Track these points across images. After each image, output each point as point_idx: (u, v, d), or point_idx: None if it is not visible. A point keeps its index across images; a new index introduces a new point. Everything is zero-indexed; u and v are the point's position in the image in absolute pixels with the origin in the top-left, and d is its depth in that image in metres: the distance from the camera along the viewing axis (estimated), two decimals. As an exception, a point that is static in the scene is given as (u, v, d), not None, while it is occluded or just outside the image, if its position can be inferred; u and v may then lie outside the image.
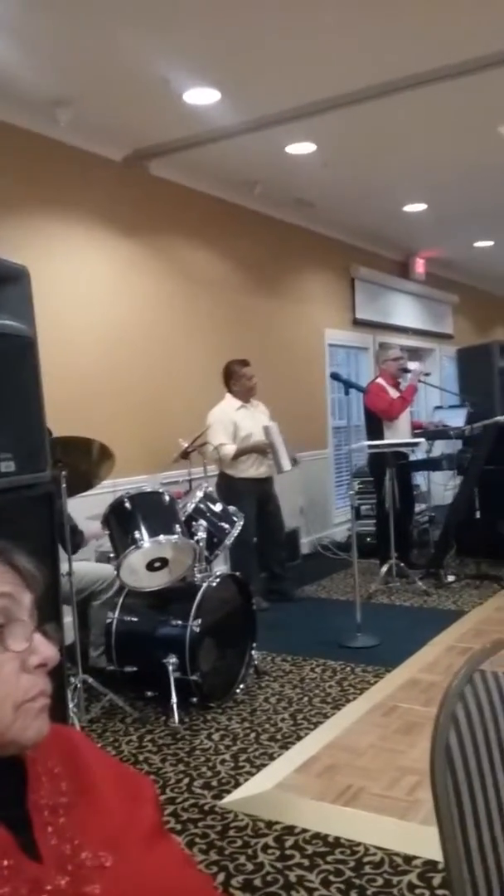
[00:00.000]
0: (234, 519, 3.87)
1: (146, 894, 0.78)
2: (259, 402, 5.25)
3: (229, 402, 5.09)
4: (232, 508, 3.94)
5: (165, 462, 4.75)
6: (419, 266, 8.79)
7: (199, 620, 3.34)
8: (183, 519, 3.58)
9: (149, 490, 3.64)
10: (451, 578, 5.54)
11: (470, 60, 3.90)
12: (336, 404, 7.48)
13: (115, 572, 3.43)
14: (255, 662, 3.77)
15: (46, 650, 0.81)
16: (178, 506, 3.63)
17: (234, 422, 5.00)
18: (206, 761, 2.94)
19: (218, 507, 3.87)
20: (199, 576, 3.56)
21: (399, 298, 8.66)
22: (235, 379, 5.12)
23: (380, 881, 2.14)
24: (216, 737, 3.15)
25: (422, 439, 5.85)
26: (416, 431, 6.05)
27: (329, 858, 2.26)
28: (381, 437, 5.71)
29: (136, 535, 3.36)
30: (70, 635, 3.33)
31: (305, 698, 3.51)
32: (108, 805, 0.83)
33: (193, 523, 3.66)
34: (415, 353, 9.25)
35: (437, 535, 6.05)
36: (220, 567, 4.72)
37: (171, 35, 3.58)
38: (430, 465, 6.19)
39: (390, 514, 5.46)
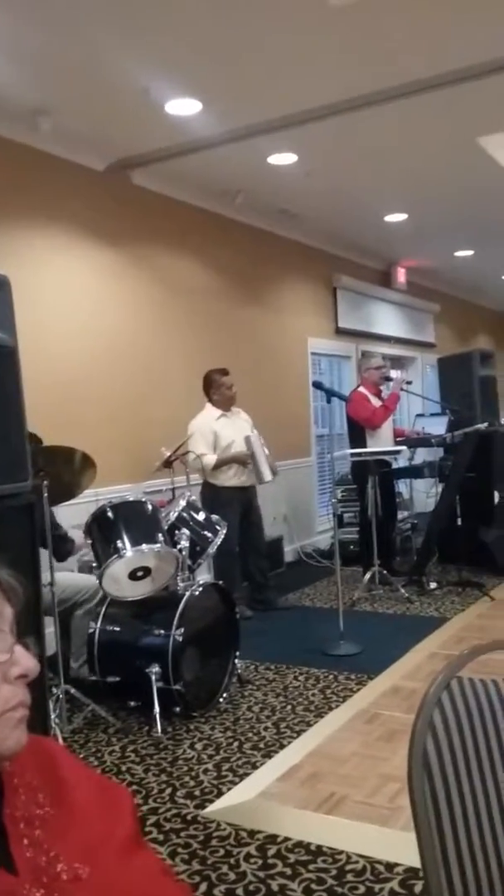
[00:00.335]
0: (217, 527, 3.87)
1: (123, 905, 0.78)
2: (241, 410, 5.26)
3: (209, 412, 5.10)
4: (215, 517, 3.94)
5: (148, 471, 4.75)
6: (401, 275, 8.86)
7: (182, 630, 3.34)
8: (166, 528, 3.57)
9: (131, 499, 3.64)
10: (433, 585, 5.57)
11: (449, 73, 3.95)
12: (319, 413, 7.50)
13: (98, 582, 3.42)
14: (239, 671, 3.77)
15: (27, 661, 0.81)
16: (161, 515, 3.63)
17: (215, 431, 5.01)
18: (189, 771, 2.93)
19: (201, 516, 3.87)
20: (181, 585, 3.55)
21: (381, 307, 8.72)
22: (215, 388, 5.13)
23: (361, 889, 2.14)
24: (199, 746, 3.14)
25: (404, 447, 5.89)
26: (398, 439, 6.09)
27: (311, 867, 2.26)
28: (363, 445, 5.73)
29: (119, 544, 3.35)
30: (52, 646, 3.31)
31: (288, 707, 3.51)
32: (86, 816, 0.83)
33: (176, 532, 3.65)
34: (397, 362, 9.31)
35: (419, 542, 6.09)
36: (204, 576, 4.72)
37: (153, 46, 3.60)
38: (413, 472, 6.23)
39: (373, 522, 5.48)
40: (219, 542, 3.83)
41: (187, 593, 3.46)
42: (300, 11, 3.34)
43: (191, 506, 3.87)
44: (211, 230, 6.04)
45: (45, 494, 3.08)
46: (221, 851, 2.37)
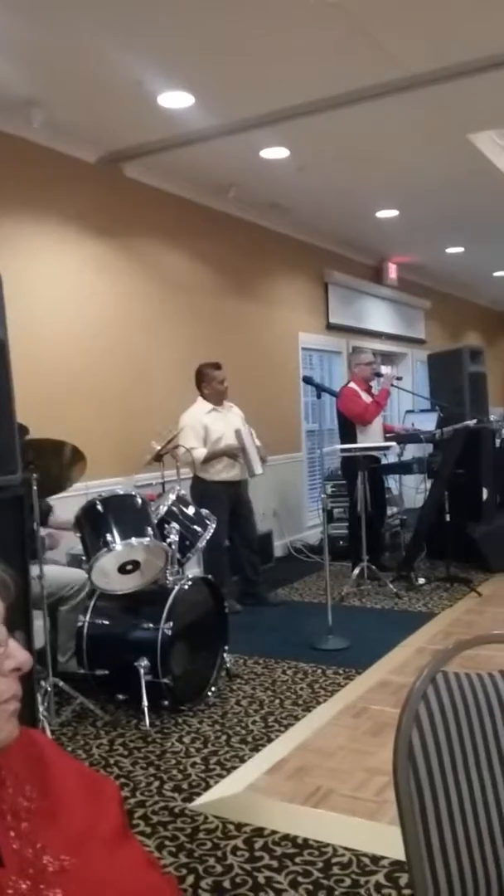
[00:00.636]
0: (207, 522, 3.87)
1: (108, 896, 0.79)
2: (233, 405, 5.26)
3: (200, 406, 5.09)
4: (205, 511, 3.94)
5: (138, 464, 4.75)
6: (392, 271, 8.87)
7: (171, 623, 3.34)
8: (155, 522, 3.57)
9: (121, 492, 3.63)
10: (421, 581, 5.59)
11: (440, 69, 3.96)
12: (309, 408, 7.51)
13: (86, 576, 3.42)
14: (227, 665, 3.78)
15: (20, 654, 0.82)
16: (151, 508, 3.63)
17: (205, 425, 5.01)
18: (177, 764, 2.94)
19: (191, 510, 3.88)
20: (171, 578, 3.56)
21: (372, 303, 8.73)
22: (207, 382, 5.12)
23: (347, 882, 2.16)
24: (187, 739, 3.15)
25: (393, 443, 5.90)
26: (388, 435, 6.10)
27: (298, 860, 2.27)
28: (353, 440, 5.75)
29: (108, 537, 3.35)
30: (40, 639, 3.31)
31: (277, 700, 3.53)
32: (72, 808, 0.83)
33: (166, 526, 3.65)
34: (388, 358, 9.33)
35: (408, 537, 6.11)
36: (193, 570, 4.72)
37: (146, 38, 3.58)
38: (402, 468, 6.24)
39: (362, 517, 5.50)
40: (208, 537, 3.83)
41: (176, 587, 3.47)
42: (293, 6, 3.34)
43: (180, 500, 3.87)
44: (203, 224, 6.03)
45: (35, 488, 3.08)
46: (209, 844, 2.38)
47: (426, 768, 1.16)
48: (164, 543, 3.52)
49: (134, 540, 3.38)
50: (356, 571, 5.56)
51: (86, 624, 3.50)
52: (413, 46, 3.75)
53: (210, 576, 3.90)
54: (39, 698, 3.12)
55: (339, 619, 4.40)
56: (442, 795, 1.17)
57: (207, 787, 2.75)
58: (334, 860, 2.26)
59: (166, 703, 3.37)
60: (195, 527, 3.81)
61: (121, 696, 3.45)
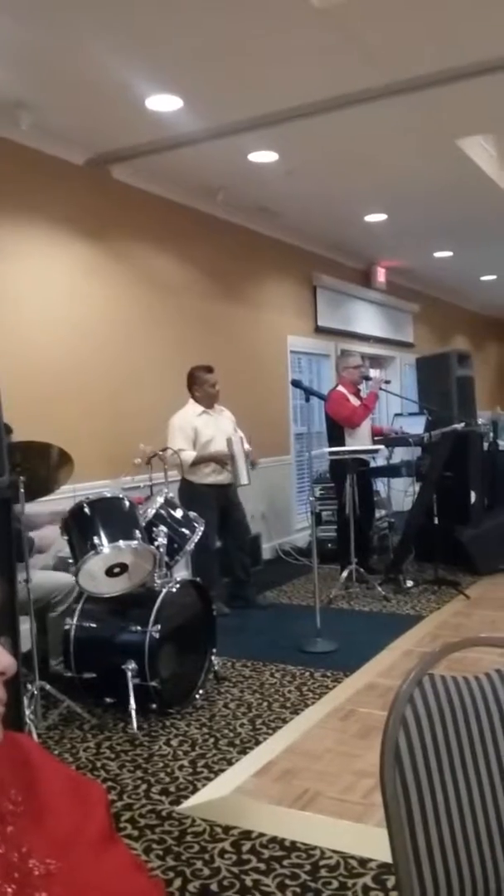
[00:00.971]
0: (195, 525, 3.87)
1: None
2: (224, 409, 5.26)
3: (191, 408, 5.09)
4: (193, 514, 3.94)
5: (126, 467, 4.73)
6: (380, 275, 8.90)
7: (159, 626, 3.34)
8: (143, 524, 3.57)
9: (109, 495, 3.62)
10: (409, 584, 5.61)
11: (429, 74, 3.98)
12: (298, 411, 7.52)
13: (74, 579, 3.41)
14: (215, 668, 3.77)
15: (4, 659, 0.82)
16: (139, 511, 3.63)
17: (195, 427, 5.00)
18: (165, 767, 2.93)
19: (179, 513, 3.87)
20: (158, 581, 3.55)
21: (360, 307, 8.76)
22: (198, 385, 5.12)
23: (335, 884, 2.16)
24: (175, 742, 3.15)
25: (382, 446, 5.92)
26: (376, 438, 6.12)
27: (285, 862, 2.27)
28: (342, 443, 5.76)
29: (96, 540, 3.34)
30: (27, 642, 3.30)
31: (265, 703, 3.53)
32: (58, 811, 0.83)
33: (154, 529, 3.65)
34: (376, 361, 9.36)
35: (396, 540, 6.13)
36: (182, 573, 4.72)
37: (134, 41, 3.58)
38: (390, 471, 6.26)
39: (351, 520, 5.51)
40: (196, 540, 3.83)
41: (164, 590, 3.46)
42: (282, 10, 3.35)
43: (168, 503, 3.86)
44: (191, 227, 6.03)
45: (22, 490, 3.07)
46: (196, 847, 2.37)
47: (413, 771, 1.17)
48: (152, 546, 3.52)
49: (122, 543, 3.37)
50: (344, 574, 5.57)
51: (73, 627, 3.48)
52: (402, 51, 3.77)
53: (199, 578, 3.89)
54: (26, 702, 3.10)
55: (327, 621, 4.41)
56: (428, 797, 1.17)
57: (195, 790, 2.75)
58: (322, 863, 2.26)
59: (154, 706, 3.36)
60: (183, 529, 3.81)
61: (108, 700, 3.44)
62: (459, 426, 5.80)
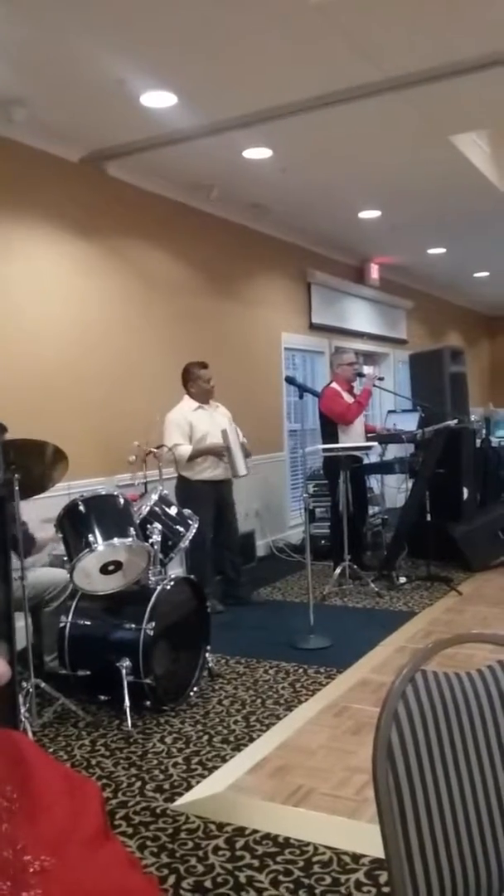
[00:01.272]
0: (190, 522, 3.87)
1: (89, 896, 0.79)
2: (219, 405, 5.26)
3: (186, 403, 5.10)
4: (187, 511, 3.95)
5: (121, 464, 4.73)
6: (374, 272, 8.90)
7: (153, 623, 3.34)
8: (138, 522, 3.57)
9: (103, 493, 3.62)
10: (402, 580, 5.62)
11: (423, 71, 3.98)
12: (291, 407, 7.53)
13: (68, 577, 3.41)
14: (209, 665, 3.78)
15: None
16: (133, 509, 3.63)
17: (191, 422, 5.01)
18: (159, 764, 2.94)
19: (173, 511, 3.88)
20: (153, 579, 3.56)
21: (354, 303, 8.76)
22: (193, 380, 5.12)
23: (328, 880, 2.18)
24: (169, 740, 3.16)
25: (375, 443, 5.93)
26: (369, 435, 6.13)
27: (279, 858, 2.29)
28: (335, 440, 5.77)
29: (90, 538, 3.34)
30: (22, 640, 3.29)
31: (258, 700, 3.54)
32: (53, 808, 0.84)
33: (148, 526, 3.65)
34: (370, 358, 9.37)
35: (389, 537, 6.14)
36: (177, 570, 4.72)
37: (128, 37, 3.58)
38: (384, 468, 6.28)
39: (344, 517, 5.52)
40: (190, 537, 3.83)
41: (158, 587, 3.47)
42: (277, 7, 3.35)
43: (163, 500, 3.87)
44: (185, 223, 6.02)
45: (17, 488, 3.06)
46: (190, 844, 2.38)
47: (405, 767, 1.18)
48: (147, 544, 3.52)
49: (116, 540, 3.37)
50: (338, 571, 5.58)
51: (67, 624, 3.49)
52: (395, 48, 3.77)
53: (193, 575, 3.90)
54: (21, 700, 3.10)
55: (320, 618, 4.42)
56: (420, 793, 1.19)
57: (189, 787, 2.76)
58: (315, 859, 2.28)
59: (148, 703, 3.37)
60: (178, 527, 3.82)
61: (103, 697, 3.45)
62: (452, 423, 5.82)
